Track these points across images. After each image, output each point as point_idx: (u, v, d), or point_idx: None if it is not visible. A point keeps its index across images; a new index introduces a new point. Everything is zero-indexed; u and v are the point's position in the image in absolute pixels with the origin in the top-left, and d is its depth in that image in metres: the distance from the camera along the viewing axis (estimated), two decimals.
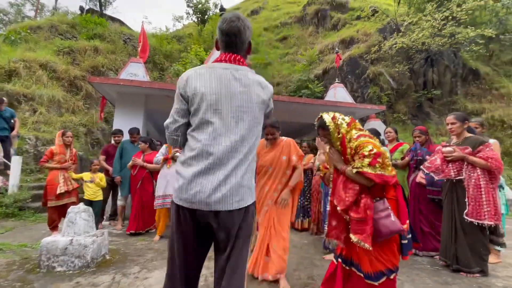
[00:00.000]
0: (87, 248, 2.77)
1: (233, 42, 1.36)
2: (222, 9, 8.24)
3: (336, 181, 1.93)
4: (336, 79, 8.92)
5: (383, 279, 1.76)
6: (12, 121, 6.01)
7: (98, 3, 20.82)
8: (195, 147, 1.27)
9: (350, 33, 14.17)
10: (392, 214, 1.75)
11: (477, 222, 2.70)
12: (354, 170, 1.75)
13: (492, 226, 2.73)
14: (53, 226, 3.86)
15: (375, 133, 3.82)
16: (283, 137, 2.73)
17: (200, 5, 17.01)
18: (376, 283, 1.77)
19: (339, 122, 1.90)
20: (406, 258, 1.86)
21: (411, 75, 12.00)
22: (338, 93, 8.03)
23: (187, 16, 18.25)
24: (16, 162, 5.37)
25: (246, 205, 1.29)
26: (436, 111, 11.63)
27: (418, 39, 10.64)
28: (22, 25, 13.46)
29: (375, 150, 1.73)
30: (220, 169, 1.24)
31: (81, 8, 18.16)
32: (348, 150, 1.85)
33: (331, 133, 1.90)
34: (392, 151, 3.93)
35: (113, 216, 5.01)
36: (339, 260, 2.00)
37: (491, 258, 2.99)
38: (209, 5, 17.23)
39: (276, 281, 2.48)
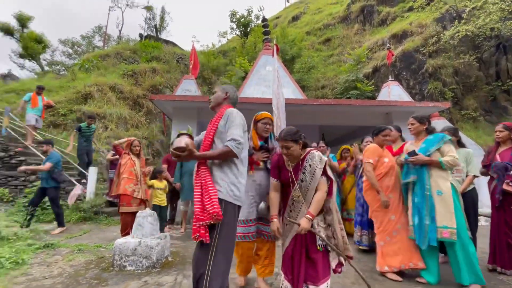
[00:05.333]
0: (153, 250, 2.99)
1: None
2: (264, 20, 8.44)
3: None
4: (389, 76, 8.32)
5: None
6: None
7: (154, 29, 23.47)
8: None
9: (401, 26, 13.18)
10: None
11: None
12: None
13: None
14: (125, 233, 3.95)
15: (453, 130, 3.41)
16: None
17: (242, 19, 17.74)
18: None
19: None
20: None
21: (480, 65, 10.58)
22: (393, 91, 7.46)
23: (231, 31, 19.19)
24: (92, 172, 6.14)
25: None
26: None
27: (485, 25, 9.36)
28: (93, 54, 15.70)
29: None
30: None
31: (141, 35, 20.94)
32: None
33: None
34: (398, 153, 3.22)
35: (171, 221, 5.36)
36: None
37: None
38: (251, 17, 17.90)
39: None
